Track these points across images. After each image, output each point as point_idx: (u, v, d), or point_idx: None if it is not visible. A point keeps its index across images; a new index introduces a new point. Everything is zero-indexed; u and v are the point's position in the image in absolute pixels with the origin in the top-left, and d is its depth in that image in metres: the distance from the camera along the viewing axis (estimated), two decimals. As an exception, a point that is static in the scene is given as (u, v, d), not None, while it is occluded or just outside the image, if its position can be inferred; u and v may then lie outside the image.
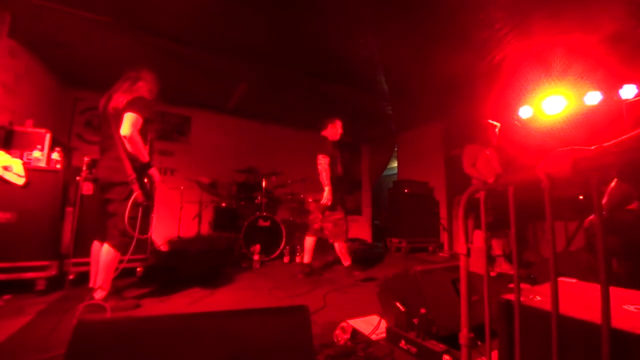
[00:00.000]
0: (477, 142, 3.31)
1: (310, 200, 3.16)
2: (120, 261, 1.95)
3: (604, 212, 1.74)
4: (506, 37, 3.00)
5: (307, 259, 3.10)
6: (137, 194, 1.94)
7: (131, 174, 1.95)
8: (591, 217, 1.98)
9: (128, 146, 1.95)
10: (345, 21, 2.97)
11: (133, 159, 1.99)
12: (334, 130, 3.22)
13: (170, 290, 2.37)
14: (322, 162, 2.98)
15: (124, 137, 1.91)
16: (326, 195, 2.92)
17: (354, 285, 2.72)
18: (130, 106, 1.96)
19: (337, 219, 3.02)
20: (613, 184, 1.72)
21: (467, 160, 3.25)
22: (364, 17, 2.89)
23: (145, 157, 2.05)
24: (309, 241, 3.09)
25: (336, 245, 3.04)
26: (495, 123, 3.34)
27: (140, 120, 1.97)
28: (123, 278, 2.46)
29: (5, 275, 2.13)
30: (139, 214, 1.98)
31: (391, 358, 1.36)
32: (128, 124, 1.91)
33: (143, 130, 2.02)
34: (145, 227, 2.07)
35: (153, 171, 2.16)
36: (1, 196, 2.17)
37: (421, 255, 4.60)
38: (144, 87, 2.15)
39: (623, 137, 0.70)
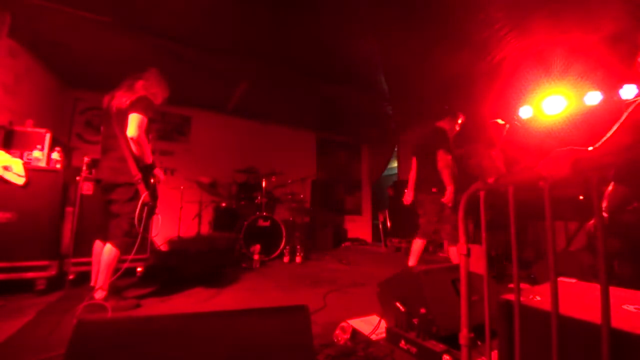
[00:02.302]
0: (482, 142, 3.31)
1: (427, 199, 2.84)
2: (122, 261, 1.95)
3: (604, 215, 1.74)
4: (506, 37, 3.00)
5: (412, 262, 2.81)
6: (145, 194, 1.94)
7: (136, 174, 1.95)
8: (592, 220, 1.97)
9: (134, 148, 1.95)
10: (345, 21, 2.97)
11: (137, 159, 1.99)
12: (452, 125, 3.02)
13: (171, 290, 2.37)
14: (445, 158, 2.75)
15: (131, 138, 1.90)
16: (448, 195, 2.71)
17: (354, 285, 2.72)
18: (134, 107, 1.95)
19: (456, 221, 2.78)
20: (610, 187, 1.72)
21: (471, 160, 3.25)
22: (364, 17, 2.89)
23: (149, 157, 2.05)
24: (419, 244, 2.83)
25: (452, 249, 2.74)
26: (502, 122, 3.32)
27: (145, 121, 1.96)
28: (123, 278, 2.45)
29: (5, 275, 2.12)
30: (145, 214, 1.97)
31: (391, 358, 1.36)
32: (135, 126, 1.90)
33: (147, 130, 2.01)
34: (149, 227, 2.07)
35: (157, 171, 2.16)
36: (1, 196, 2.17)
37: (421, 256, 4.58)
38: (146, 87, 2.13)
39: (610, 134, 0.70)
